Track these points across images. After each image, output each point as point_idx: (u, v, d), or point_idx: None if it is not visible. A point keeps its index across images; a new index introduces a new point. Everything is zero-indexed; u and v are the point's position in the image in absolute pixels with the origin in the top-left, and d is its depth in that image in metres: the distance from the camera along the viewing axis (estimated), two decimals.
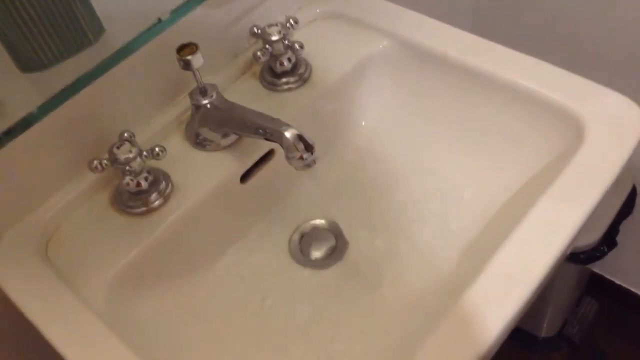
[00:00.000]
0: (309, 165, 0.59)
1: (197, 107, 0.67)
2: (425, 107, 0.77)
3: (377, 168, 0.77)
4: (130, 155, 0.62)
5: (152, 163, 0.67)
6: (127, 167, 0.62)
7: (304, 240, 0.73)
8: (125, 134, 0.63)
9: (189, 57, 0.63)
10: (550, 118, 0.67)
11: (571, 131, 0.65)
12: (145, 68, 0.67)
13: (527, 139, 0.70)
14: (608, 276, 1.36)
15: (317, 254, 0.72)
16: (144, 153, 0.63)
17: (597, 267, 1.36)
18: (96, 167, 0.62)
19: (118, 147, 0.62)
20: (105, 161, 0.62)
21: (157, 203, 0.65)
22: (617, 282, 1.35)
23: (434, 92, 0.76)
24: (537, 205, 0.59)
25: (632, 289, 1.34)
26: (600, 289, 1.37)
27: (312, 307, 0.69)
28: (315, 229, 0.74)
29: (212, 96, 0.66)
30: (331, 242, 0.73)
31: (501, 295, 0.54)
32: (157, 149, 0.64)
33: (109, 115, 0.66)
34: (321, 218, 0.75)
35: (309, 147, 0.58)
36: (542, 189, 0.60)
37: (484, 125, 0.73)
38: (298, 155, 0.58)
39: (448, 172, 0.75)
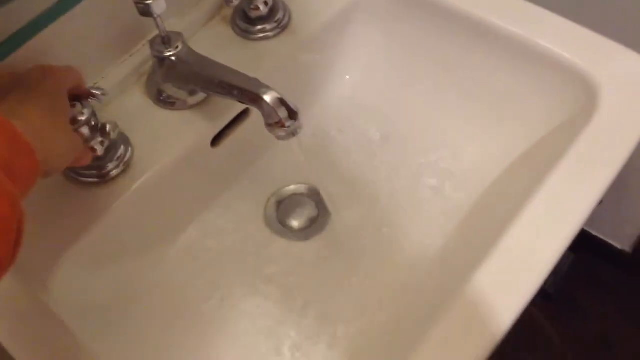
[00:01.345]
0: (292, 134, 0.51)
1: (160, 59, 0.57)
2: (416, 61, 0.69)
3: (363, 127, 0.70)
4: (82, 118, 0.53)
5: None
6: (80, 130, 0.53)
7: (282, 209, 0.66)
8: None
9: (148, 2, 0.53)
10: (559, 79, 0.60)
11: (583, 95, 0.58)
12: (97, 11, 0.57)
13: (532, 102, 0.63)
14: (585, 227, 1.34)
15: (296, 223, 0.66)
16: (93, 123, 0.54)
17: None
18: None
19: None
20: None
21: (115, 172, 0.56)
22: (594, 233, 1.33)
23: (425, 44, 0.68)
24: (549, 181, 0.53)
25: (608, 241, 1.33)
26: (577, 241, 1.34)
27: (289, 283, 0.62)
28: (295, 196, 0.67)
29: (177, 47, 0.57)
30: (311, 210, 0.66)
31: (512, 283, 0.48)
32: (108, 127, 0.54)
33: None
34: (301, 183, 0.68)
35: (292, 114, 0.50)
36: (553, 158, 0.54)
37: (482, 84, 0.66)
38: (280, 123, 0.50)
39: (441, 134, 0.68)
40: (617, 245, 1.33)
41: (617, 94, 0.57)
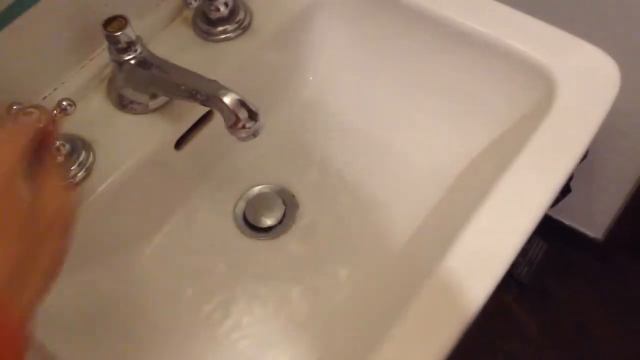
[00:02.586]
0: (253, 135, 0.51)
1: (119, 63, 0.57)
2: (379, 58, 0.70)
3: (326, 127, 0.70)
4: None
5: (68, 127, 0.57)
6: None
7: (250, 209, 0.66)
8: (14, 107, 0.52)
9: (118, 34, 0.54)
10: (518, 72, 0.61)
11: (542, 86, 0.59)
12: (53, 18, 0.56)
13: (492, 95, 0.63)
14: (557, 217, 1.36)
15: (265, 222, 0.66)
16: (54, 112, 0.53)
17: None
18: None
19: (25, 114, 0.52)
20: None
21: (77, 177, 0.56)
22: (566, 222, 1.35)
23: (388, 42, 0.69)
24: (509, 171, 0.53)
25: (581, 229, 1.34)
26: (549, 230, 1.36)
27: (262, 283, 0.62)
28: (262, 195, 0.67)
29: (136, 50, 0.57)
30: (279, 209, 0.66)
31: (475, 273, 0.49)
32: (64, 104, 0.53)
33: (12, 76, 0.55)
34: (267, 183, 0.68)
35: (252, 115, 0.50)
36: (514, 150, 0.55)
37: (444, 80, 0.66)
38: (240, 124, 0.50)
39: (404, 131, 0.68)
40: (590, 233, 1.35)
41: (574, 86, 0.57)
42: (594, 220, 1.31)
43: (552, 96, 0.58)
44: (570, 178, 1.10)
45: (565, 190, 1.08)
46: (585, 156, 1.11)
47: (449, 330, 0.47)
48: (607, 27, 0.89)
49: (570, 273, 1.36)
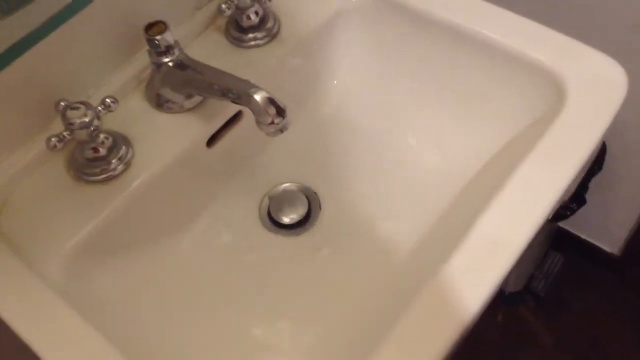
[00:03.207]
0: (281, 131, 0.55)
1: (158, 65, 0.62)
2: (399, 65, 0.74)
3: (350, 129, 0.74)
4: (86, 119, 0.57)
5: (110, 124, 0.62)
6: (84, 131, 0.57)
7: (275, 206, 0.70)
8: (62, 103, 0.57)
9: (157, 38, 0.58)
10: (530, 78, 0.64)
11: (552, 92, 0.62)
12: (99, 23, 0.61)
13: (506, 99, 0.67)
14: (573, 231, 1.37)
15: (288, 220, 0.69)
16: (99, 108, 0.58)
17: (562, 222, 1.37)
18: (54, 147, 0.57)
19: (72, 109, 0.57)
20: (66, 133, 0.57)
21: (117, 170, 0.60)
22: (583, 236, 1.36)
23: (407, 49, 0.72)
24: (519, 170, 0.57)
25: (597, 244, 1.36)
26: (566, 244, 1.38)
27: (283, 276, 0.66)
28: (286, 193, 0.71)
29: (173, 53, 0.61)
30: (303, 207, 0.70)
31: (484, 263, 0.52)
32: (108, 100, 0.59)
33: (60, 75, 0.60)
34: (292, 182, 0.72)
35: (280, 111, 0.54)
36: (523, 153, 0.58)
37: (460, 84, 0.70)
38: (269, 120, 0.54)
39: (424, 134, 0.72)
40: (606, 248, 1.36)
41: (583, 91, 0.61)
42: (611, 235, 1.33)
43: (562, 101, 0.61)
44: (586, 189, 1.13)
45: (580, 201, 1.10)
46: (600, 169, 1.14)
47: (450, 328, 0.49)
48: (615, 35, 0.92)
49: (587, 286, 1.37)
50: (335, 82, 0.75)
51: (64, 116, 0.57)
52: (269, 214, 0.70)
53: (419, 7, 0.69)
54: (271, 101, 0.54)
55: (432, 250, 0.61)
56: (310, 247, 0.68)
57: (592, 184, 1.15)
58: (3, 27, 0.53)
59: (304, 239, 0.69)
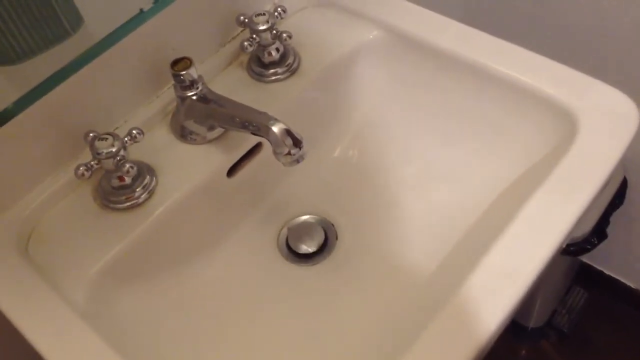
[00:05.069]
0: (297, 161, 0.57)
1: (182, 99, 0.65)
2: (417, 99, 0.76)
3: (368, 161, 0.76)
4: (113, 149, 0.60)
5: (136, 154, 0.65)
6: (111, 161, 0.60)
7: (293, 236, 0.72)
8: (91, 135, 0.60)
9: (183, 73, 0.62)
10: (543, 112, 0.66)
11: (565, 125, 0.64)
12: (127, 59, 0.65)
13: (520, 133, 0.68)
14: (597, 266, 1.36)
15: (306, 250, 0.71)
16: (125, 139, 0.61)
17: (586, 257, 1.36)
18: (82, 175, 0.60)
19: (100, 140, 0.60)
20: (93, 163, 0.60)
21: (141, 198, 0.63)
22: (606, 272, 1.35)
23: (425, 84, 0.75)
24: (532, 200, 0.58)
25: (621, 279, 1.34)
26: (589, 279, 1.37)
27: (301, 304, 0.67)
28: (304, 224, 0.73)
29: (197, 88, 0.64)
30: (320, 238, 0.72)
31: (497, 291, 0.53)
32: (134, 132, 0.62)
33: (90, 108, 0.64)
34: (310, 213, 0.74)
35: (297, 142, 0.57)
36: (536, 184, 0.59)
37: (476, 119, 0.72)
38: (286, 150, 0.57)
39: (441, 166, 0.73)
40: (631, 284, 1.35)
41: (594, 124, 0.62)
42: (634, 270, 1.32)
43: (574, 135, 0.62)
44: (607, 224, 1.13)
45: (601, 235, 1.10)
46: (621, 203, 1.13)
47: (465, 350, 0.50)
48: (628, 71, 0.93)
49: (611, 322, 1.35)
50: (353, 115, 0.78)
51: (92, 146, 0.60)
52: (287, 243, 0.72)
53: (432, 44, 0.71)
54: (288, 132, 0.56)
55: (446, 279, 0.62)
56: (327, 276, 0.69)
57: (616, 219, 1.14)
58: (34, 63, 0.57)
59: (321, 268, 0.70)
